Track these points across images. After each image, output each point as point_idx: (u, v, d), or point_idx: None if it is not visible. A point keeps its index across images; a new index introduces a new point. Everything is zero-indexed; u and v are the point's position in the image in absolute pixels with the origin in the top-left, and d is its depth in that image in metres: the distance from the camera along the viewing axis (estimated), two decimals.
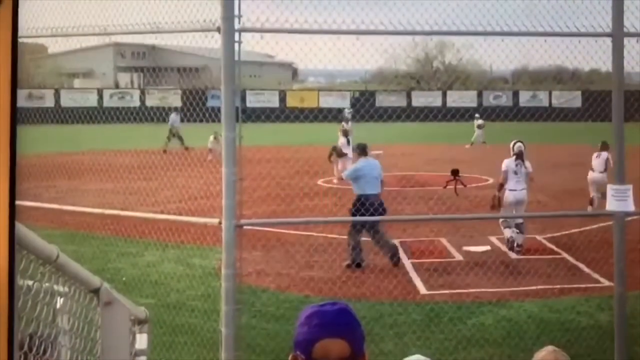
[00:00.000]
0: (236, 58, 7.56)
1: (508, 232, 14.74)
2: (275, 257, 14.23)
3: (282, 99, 62.94)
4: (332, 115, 42.69)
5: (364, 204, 12.95)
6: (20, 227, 2.73)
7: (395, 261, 13.63)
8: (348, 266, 13.53)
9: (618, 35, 8.01)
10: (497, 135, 23.82)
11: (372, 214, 12.67)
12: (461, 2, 8.71)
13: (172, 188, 18.72)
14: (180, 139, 34.62)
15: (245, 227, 8.02)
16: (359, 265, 13.54)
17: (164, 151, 33.17)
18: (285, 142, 34.02)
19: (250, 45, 8.67)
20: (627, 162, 8.11)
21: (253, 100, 57.05)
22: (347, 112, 38.79)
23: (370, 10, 8.70)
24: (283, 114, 42.07)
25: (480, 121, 38.69)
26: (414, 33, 8.41)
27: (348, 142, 26.10)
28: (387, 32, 8.18)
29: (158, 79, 79.30)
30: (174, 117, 34.95)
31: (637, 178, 8.63)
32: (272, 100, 61.31)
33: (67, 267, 3.46)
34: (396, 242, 14.58)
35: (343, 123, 35.14)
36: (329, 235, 15.16)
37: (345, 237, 14.72)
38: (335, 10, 8.59)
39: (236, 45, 7.55)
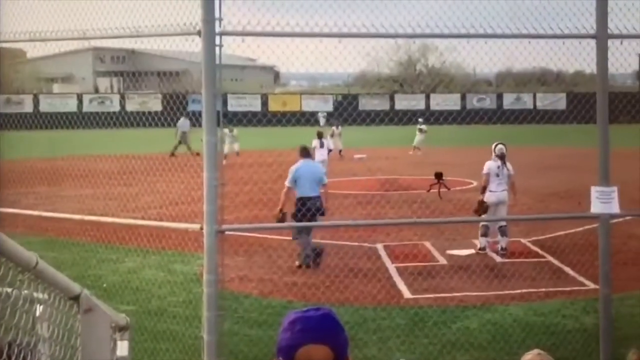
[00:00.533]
0: (217, 62, 7.56)
1: (483, 242, 14.82)
2: (257, 263, 14.21)
3: (264, 103, 62.96)
4: (315, 119, 42.80)
5: (304, 205, 13.46)
6: None
7: (309, 263, 13.85)
8: (299, 267, 13.83)
9: (602, 36, 8.07)
10: (481, 138, 23.89)
11: (311, 216, 13.23)
12: (444, 5, 8.75)
13: (153, 193, 18.72)
14: (187, 144, 34.17)
15: (227, 232, 8.00)
16: (308, 266, 13.82)
17: (172, 154, 32.85)
18: (268, 146, 33.99)
19: (232, 49, 8.67)
20: (612, 163, 8.16)
21: (235, 104, 57.00)
22: (321, 116, 38.86)
23: (352, 13, 8.74)
24: (265, 117, 42.05)
25: (423, 126, 38.19)
26: (396, 36, 8.42)
27: (322, 144, 26.10)
28: (369, 35, 8.20)
29: (138, 83, 79.21)
30: (182, 121, 34.51)
31: (622, 180, 8.69)
32: (254, 104, 61.33)
33: (47, 274, 3.44)
34: (380, 246, 14.65)
35: (334, 128, 35.32)
36: (312, 240, 15.14)
37: (329, 241, 14.80)
38: (318, 13, 8.57)
39: (217, 48, 7.54)
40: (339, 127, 36.85)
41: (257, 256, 14.58)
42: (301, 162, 14.29)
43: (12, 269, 3.06)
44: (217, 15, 7.49)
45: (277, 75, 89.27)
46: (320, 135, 26.46)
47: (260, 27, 7.79)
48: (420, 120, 38.46)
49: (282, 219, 13.56)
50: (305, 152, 14.65)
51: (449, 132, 47.64)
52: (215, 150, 7.57)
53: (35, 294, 3.53)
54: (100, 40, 8.87)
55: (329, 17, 8.28)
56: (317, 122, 41.81)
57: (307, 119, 35.28)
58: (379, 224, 16.07)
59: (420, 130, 38.06)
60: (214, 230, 7.59)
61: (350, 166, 30.34)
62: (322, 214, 13.94)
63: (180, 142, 35.14)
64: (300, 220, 13.34)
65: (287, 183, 14.04)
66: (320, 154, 25.29)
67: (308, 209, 13.30)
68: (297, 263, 13.96)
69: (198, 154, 31.66)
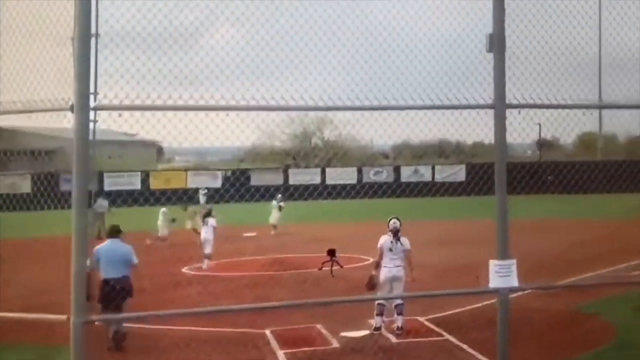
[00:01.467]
0: (91, 137, 7.44)
1: (378, 321, 14.81)
2: (130, 356, 13.74)
3: (145, 181, 62.12)
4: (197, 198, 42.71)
5: (106, 286, 13.75)
6: None
7: (116, 345, 13.84)
8: (109, 349, 13.70)
9: (500, 106, 8.28)
10: (379, 212, 24.18)
11: (113, 298, 13.48)
12: (337, 77, 8.84)
13: (17, 284, 18.04)
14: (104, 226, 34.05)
15: (97, 322, 7.75)
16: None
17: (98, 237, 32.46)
18: (148, 227, 33.42)
19: (107, 124, 8.54)
20: (511, 235, 8.28)
21: (111, 183, 56.21)
22: (202, 194, 38.72)
23: (241, 85, 8.72)
24: (142, 196, 41.52)
25: (281, 203, 37.67)
26: (287, 108, 8.45)
27: (205, 222, 25.86)
28: (258, 108, 8.20)
29: (5, 163, 77.11)
30: (100, 201, 34.02)
31: (522, 252, 8.84)
32: (133, 182, 60.53)
33: None
34: (266, 331, 14.43)
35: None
36: (193, 328, 14.80)
37: (211, 329, 14.51)
38: (203, 85, 8.57)
39: (91, 124, 7.44)
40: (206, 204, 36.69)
41: (132, 350, 14.02)
42: (105, 244, 14.36)
43: None
44: (92, 89, 7.43)
45: (160, 151, 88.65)
46: (207, 214, 26.20)
47: (139, 100, 7.72)
48: (279, 196, 37.95)
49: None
50: (114, 232, 14.59)
51: (345, 206, 48.11)
52: (85, 234, 7.45)
53: None
54: None
55: (215, 89, 8.27)
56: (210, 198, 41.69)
57: (191, 196, 35.23)
58: (266, 307, 15.82)
59: (280, 207, 37.43)
60: (81, 321, 7.37)
61: (239, 245, 30.07)
62: (130, 296, 14.12)
63: (99, 227, 34.72)
64: (105, 303, 13.38)
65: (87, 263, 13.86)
66: (205, 232, 25.06)
67: (112, 289, 13.54)
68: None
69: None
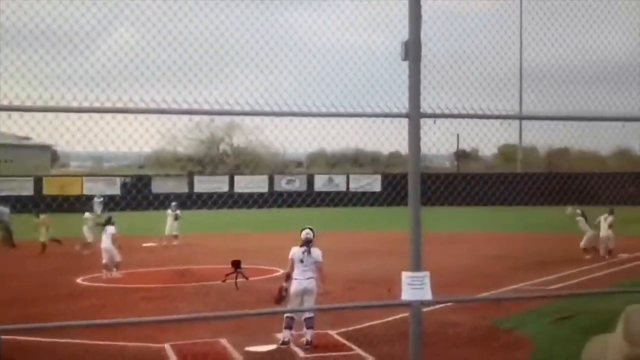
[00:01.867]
0: None
1: (286, 334, 14.75)
2: None
3: (40, 186, 60.86)
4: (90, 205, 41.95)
5: None
6: None
7: None
8: None
9: (414, 115, 8.30)
10: (291, 222, 24.16)
11: None
12: (245, 81, 8.78)
13: None
14: (9, 233, 34.52)
15: None
16: None
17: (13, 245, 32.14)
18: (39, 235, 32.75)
19: (6, 126, 8.32)
20: (426, 247, 8.30)
21: (1, 189, 54.93)
22: (97, 201, 38.09)
23: (140, 88, 8.57)
24: (32, 202, 40.52)
25: (177, 211, 37.22)
26: (190, 112, 8.27)
27: (103, 230, 25.51)
28: (158, 111, 8.00)
29: None
30: (1, 208, 34.38)
31: (437, 264, 8.90)
32: (26, 187, 59.22)
33: None
34: (168, 346, 14.24)
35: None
36: (87, 342, 14.51)
37: (106, 342, 14.24)
38: (99, 86, 8.40)
39: None
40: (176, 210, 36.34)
41: None
42: None
43: None
44: None
45: (54, 156, 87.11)
46: (107, 222, 25.80)
47: (30, 101, 7.51)
48: (173, 204, 37.52)
49: None
50: None
51: (255, 216, 48.02)
52: None
53: None
54: None
55: (112, 90, 8.11)
56: (105, 205, 41.01)
57: (84, 203, 34.63)
58: (166, 320, 15.60)
59: (176, 216, 36.94)
60: None
61: (137, 256, 29.67)
62: None
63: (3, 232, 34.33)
64: None
65: None
66: (104, 241, 24.71)
67: None
68: None
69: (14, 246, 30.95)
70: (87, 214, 33.56)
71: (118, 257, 24.76)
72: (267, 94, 8.56)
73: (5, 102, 7.47)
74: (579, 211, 29.24)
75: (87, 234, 32.29)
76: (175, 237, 36.14)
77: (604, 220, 28.84)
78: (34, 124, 7.97)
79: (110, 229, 25.02)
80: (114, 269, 24.62)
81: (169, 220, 36.73)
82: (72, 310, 18.10)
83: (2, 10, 7.84)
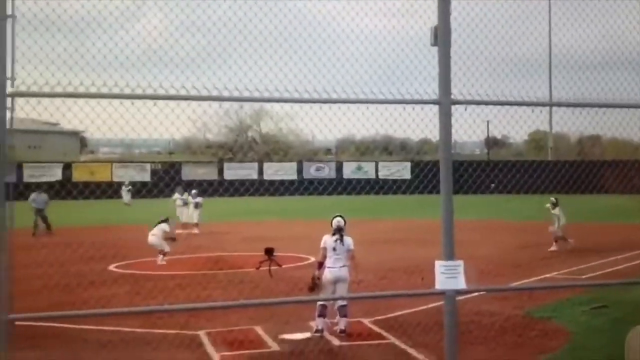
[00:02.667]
0: (7, 126, 7.27)
1: (320, 323, 14.83)
2: (56, 356, 13.54)
3: (69, 172, 61.10)
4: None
5: None
6: None
7: None
8: None
9: (445, 102, 8.33)
10: (321, 210, 24.19)
11: None
12: (274, 68, 8.80)
13: None
14: (46, 221, 34.67)
15: (17, 322, 7.61)
16: None
17: (33, 234, 32.78)
18: (70, 222, 33.09)
19: (25, 112, 8.37)
20: (458, 236, 8.35)
21: (30, 175, 55.29)
22: (125, 190, 38.38)
23: (170, 74, 8.61)
24: (64, 188, 40.64)
25: (199, 199, 37.03)
26: (220, 99, 8.36)
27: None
28: (188, 98, 8.09)
29: None
30: (34, 196, 34.71)
31: (470, 254, 8.93)
32: (55, 174, 59.55)
33: None
34: (203, 333, 14.40)
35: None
36: (122, 329, 14.68)
37: (140, 330, 14.40)
38: (129, 72, 8.45)
39: (8, 112, 7.27)
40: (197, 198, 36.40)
41: (57, 350, 13.89)
42: None
43: None
44: (8, 74, 7.25)
45: (83, 142, 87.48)
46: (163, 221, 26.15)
47: (60, 87, 7.58)
48: (194, 192, 37.47)
49: None
50: None
51: (284, 204, 48.10)
52: (5, 229, 7.25)
53: None
54: None
55: (142, 77, 8.14)
56: (138, 193, 41.37)
57: (115, 190, 34.84)
58: (201, 307, 15.72)
59: (196, 204, 36.90)
60: (3, 320, 7.24)
61: (172, 244, 29.83)
62: None
63: (36, 223, 34.64)
64: None
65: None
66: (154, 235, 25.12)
67: None
68: None
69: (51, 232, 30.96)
70: (175, 195, 34.01)
71: (167, 248, 25.05)
72: (296, 80, 8.55)
73: (34, 89, 7.55)
74: (553, 199, 28.59)
75: (180, 214, 33.10)
76: (196, 225, 36.09)
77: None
78: (64, 110, 8.04)
79: (164, 226, 25.34)
80: (161, 256, 24.95)
81: (189, 208, 36.82)
82: (106, 296, 18.30)
83: None
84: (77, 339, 14.45)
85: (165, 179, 47.99)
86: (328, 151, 78.33)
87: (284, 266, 21.17)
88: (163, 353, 13.38)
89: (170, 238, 25.55)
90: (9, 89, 7.28)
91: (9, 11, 7.45)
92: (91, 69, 8.40)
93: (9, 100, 7.30)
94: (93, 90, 7.74)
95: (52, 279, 19.33)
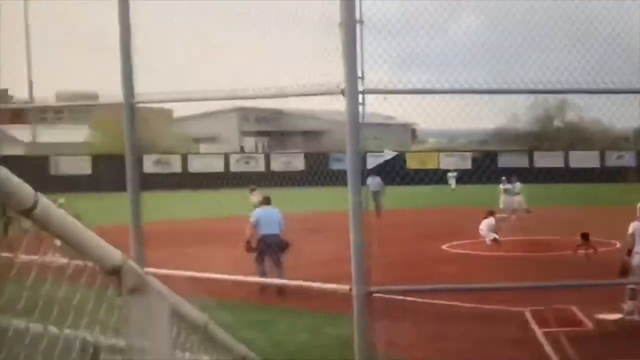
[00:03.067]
0: (360, 120, 7.53)
1: (630, 305, 14.09)
2: (406, 327, 13.88)
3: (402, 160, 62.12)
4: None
5: (264, 241, 16.78)
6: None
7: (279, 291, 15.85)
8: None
9: None
10: (622, 197, 22.84)
11: (273, 250, 16.58)
12: (574, 60, 8.52)
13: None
14: (379, 207, 32.60)
15: (375, 294, 7.85)
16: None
17: (377, 215, 30.26)
18: (405, 204, 33.73)
19: (374, 107, 8.69)
20: None
21: (372, 162, 56.72)
22: (451, 176, 37.34)
23: (481, 69, 8.63)
24: (399, 175, 41.15)
25: (513, 185, 34.88)
26: (530, 91, 8.27)
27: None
28: (511, 91, 8.07)
29: (282, 143, 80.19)
30: (370, 180, 32.78)
31: None
32: (390, 163, 60.61)
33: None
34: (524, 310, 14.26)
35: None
36: (455, 304, 14.78)
37: (468, 304, 14.48)
38: (447, 69, 8.55)
39: (360, 107, 7.52)
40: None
41: (405, 320, 14.20)
42: (259, 210, 17.53)
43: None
44: (359, 74, 7.48)
45: (414, 133, 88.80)
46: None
47: (401, 84, 7.76)
48: (502, 178, 35.84)
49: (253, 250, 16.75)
50: (266, 201, 17.93)
51: (589, 190, 45.92)
52: (361, 210, 7.47)
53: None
54: (245, 100, 9.10)
55: (458, 73, 8.19)
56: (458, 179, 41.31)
57: (440, 177, 34.97)
58: (527, 287, 15.43)
59: (506, 190, 34.98)
60: (363, 292, 7.47)
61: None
62: (284, 247, 16.97)
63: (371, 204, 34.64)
64: (261, 254, 16.57)
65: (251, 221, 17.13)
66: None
67: (268, 244, 16.62)
68: None
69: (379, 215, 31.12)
70: (501, 185, 33.65)
71: (492, 237, 24.95)
72: (593, 71, 8.20)
73: (380, 86, 7.71)
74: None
75: (504, 203, 32.93)
76: (527, 211, 33.90)
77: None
78: (404, 104, 8.21)
79: (489, 220, 25.20)
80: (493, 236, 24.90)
81: (503, 194, 35.36)
82: (439, 273, 18.56)
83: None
84: (418, 311, 14.68)
85: (482, 166, 47.76)
86: (626, 140, 73.84)
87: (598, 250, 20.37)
88: (494, 327, 13.39)
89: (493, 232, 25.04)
90: (360, 87, 7.53)
91: (357, 17, 7.69)
92: (416, 66, 8.53)
93: (360, 96, 7.56)
94: (428, 86, 7.84)
95: (393, 257, 19.88)
